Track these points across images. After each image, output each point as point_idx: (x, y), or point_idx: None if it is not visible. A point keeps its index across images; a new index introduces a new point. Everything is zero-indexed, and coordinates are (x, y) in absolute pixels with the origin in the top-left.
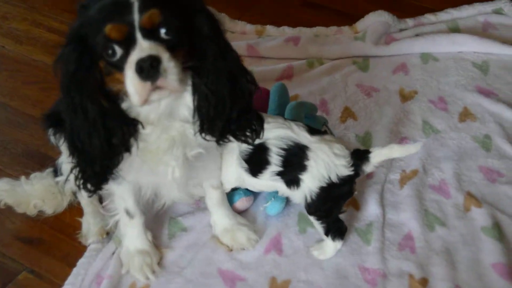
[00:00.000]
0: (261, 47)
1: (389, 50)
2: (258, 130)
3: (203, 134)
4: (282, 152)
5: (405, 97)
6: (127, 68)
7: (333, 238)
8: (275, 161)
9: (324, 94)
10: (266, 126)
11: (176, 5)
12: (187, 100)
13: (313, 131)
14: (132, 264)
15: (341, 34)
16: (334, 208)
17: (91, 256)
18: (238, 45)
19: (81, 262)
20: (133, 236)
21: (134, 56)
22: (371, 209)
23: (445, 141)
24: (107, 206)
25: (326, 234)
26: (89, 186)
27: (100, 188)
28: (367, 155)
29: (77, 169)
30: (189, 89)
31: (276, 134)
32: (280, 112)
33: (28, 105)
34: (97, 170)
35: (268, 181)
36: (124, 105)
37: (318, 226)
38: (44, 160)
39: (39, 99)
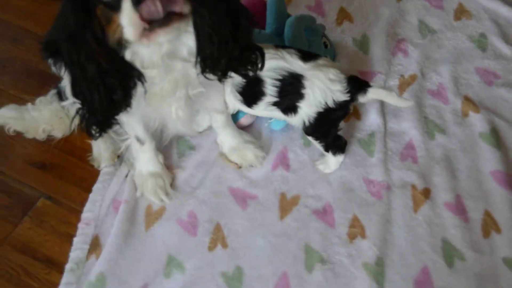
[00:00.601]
0: None
1: None
2: (259, 63)
3: (206, 74)
4: (277, 83)
5: None
6: (124, 4)
7: (334, 153)
8: (270, 92)
9: None
10: None
11: None
12: (189, 41)
13: (306, 57)
14: (146, 187)
15: None
16: (331, 128)
17: (105, 180)
18: None
19: (96, 187)
20: (144, 159)
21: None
22: (372, 118)
23: (442, 42)
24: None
25: (327, 150)
26: (93, 130)
27: (105, 132)
28: (366, 87)
29: (81, 113)
30: (190, 29)
31: (269, 65)
32: (278, 26)
33: (20, 18)
34: (99, 119)
35: (264, 111)
36: (127, 55)
37: (317, 145)
38: (45, 78)
39: (32, 11)
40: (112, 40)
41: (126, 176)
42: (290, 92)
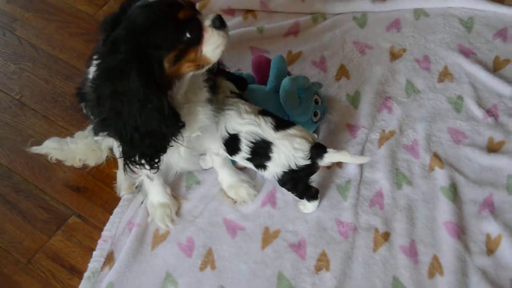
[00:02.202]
0: (272, 3)
1: (385, 6)
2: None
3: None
4: (251, 144)
5: (395, 55)
6: (206, 31)
7: (308, 200)
8: (244, 149)
9: (325, 50)
10: (240, 121)
11: None
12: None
13: (280, 126)
14: (155, 214)
15: None
16: (299, 183)
17: (124, 205)
18: (252, 1)
19: (116, 211)
20: (154, 192)
21: (208, 20)
22: (351, 167)
23: (423, 102)
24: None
25: (301, 198)
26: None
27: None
28: (322, 153)
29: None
30: None
31: (247, 129)
32: (277, 84)
33: (74, 58)
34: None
35: (241, 161)
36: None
37: (291, 194)
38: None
39: (83, 52)
40: (166, 79)
41: (142, 202)
42: (260, 154)
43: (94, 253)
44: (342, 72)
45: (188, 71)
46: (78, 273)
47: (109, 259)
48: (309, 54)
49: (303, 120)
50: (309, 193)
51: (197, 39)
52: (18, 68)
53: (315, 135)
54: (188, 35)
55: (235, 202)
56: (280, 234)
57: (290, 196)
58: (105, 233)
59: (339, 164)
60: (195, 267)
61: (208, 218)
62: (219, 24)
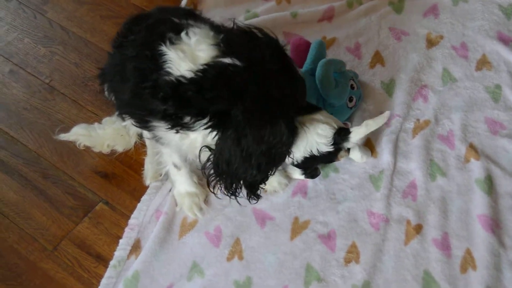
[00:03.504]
0: None
1: None
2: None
3: None
4: None
5: (431, 42)
6: None
7: (305, 177)
8: None
9: (359, 37)
10: None
11: None
12: None
13: (307, 110)
14: (183, 203)
15: None
16: (313, 165)
17: (152, 193)
18: None
19: (144, 198)
20: (182, 181)
21: None
22: (385, 157)
23: (460, 91)
24: (158, 160)
25: (302, 174)
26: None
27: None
28: (347, 135)
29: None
30: None
31: None
32: (314, 66)
33: (105, 41)
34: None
35: None
36: None
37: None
38: None
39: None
40: None
41: (170, 190)
42: None
43: (121, 241)
44: (377, 59)
45: None
46: (104, 261)
47: (136, 247)
48: (344, 40)
49: (338, 103)
50: (314, 171)
51: None
52: (48, 52)
53: (348, 123)
54: None
55: (266, 191)
56: (309, 225)
57: (321, 186)
58: (132, 221)
59: (374, 154)
60: (222, 257)
61: (237, 207)
62: None
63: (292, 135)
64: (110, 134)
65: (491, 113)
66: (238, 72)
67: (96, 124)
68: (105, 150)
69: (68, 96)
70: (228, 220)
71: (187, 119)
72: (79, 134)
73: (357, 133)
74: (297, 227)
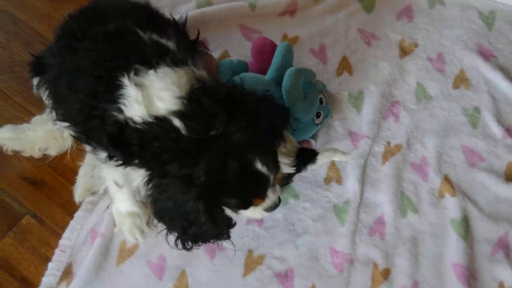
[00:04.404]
0: None
1: None
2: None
3: None
4: None
5: (405, 50)
6: (258, 209)
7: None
8: None
9: (325, 37)
10: None
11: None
12: None
13: None
14: (123, 224)
15: None
16: None
17: (87, 209)
18: None
19: (77, 215)
20: (122, 199)
21: (265, 205)
22: (350, 185)
23: (435, 111)
24: (96, 174)
25: None
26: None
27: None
28: (314, 157)
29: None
30: None
31: None
32: (279, 74)
33: (35, 19)
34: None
35: None
36: None
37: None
38: None
39: (47, 13)
40: None
41: (108, 207)
42: None
43: (50, 264)
44: (345, 65)
45: None
46: (30, 285)
47: (67, 273)
48: (307, 39)
49: (305, 119)
50: None
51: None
52: None
53: (312, 141)
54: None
55: None
56: (265, 260)
57: (280, 214)
58: (64, 241)
59: (338, 180)
60: None
61: None
62: (268, 210)
63: (211, 222)
64: (41, 136)
65: (469, 141)
66: (178, 140)
67: (25, 125)
68: (36, 154)
69: None
70: (173, 248)
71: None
72: (6, 138)
73: (325, 157)
74: (251, 262)
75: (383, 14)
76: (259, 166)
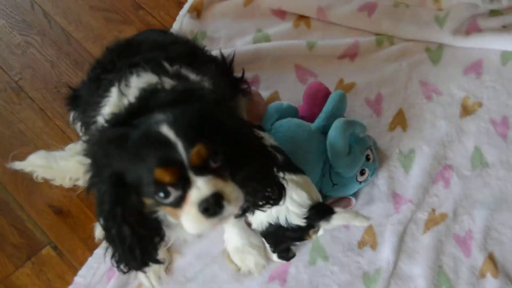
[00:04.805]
0: (332, 12)
1: (468, 42)
2: (278, 199)
3: None
4: None
5: (467, 109)
6: (188, 207)
7: (278, 257)
8: None
9: (383, 87)
10: None
11: (215, 130)
12: None
13: (284, 167)
14: None
15: (424, 7)
16: (281, 244)
17: (107, 247)
18: (309, 6)
19: (96, 252)
20: None
21: (194, 197)
22: (385, 253)
23: (490, 180)
24: None
25: (273, 252)
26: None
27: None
28: (329, 214)
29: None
30: None
31: None
32: (327, 123)
33: (89, 39)
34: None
35: None
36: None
37: (266, 244)
38: None
39: (101, 33)
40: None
41: None
42: None
43: None
44: (399, 119)
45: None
46: None
47: None
48: (364, 88)
49: (346, 175)
50: (284, 254)
51: (176, 204)
52: (24, 41)
53: (353, 200)
54: (164, 195)
55: (239, 269)
56: None
57: (305, 275)
58: (78, 279)
59: (372, 245)
60: None
61: (203, 284)
62: (205, 210)
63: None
64: (73, 166)
65: None
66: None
67: (57, 153)
68: (67, 184)
69: (37, 102)
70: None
71: None
72: (37, 165)
73: (341, 218)
74: None
75: (450, 67)
76: (165, 129)
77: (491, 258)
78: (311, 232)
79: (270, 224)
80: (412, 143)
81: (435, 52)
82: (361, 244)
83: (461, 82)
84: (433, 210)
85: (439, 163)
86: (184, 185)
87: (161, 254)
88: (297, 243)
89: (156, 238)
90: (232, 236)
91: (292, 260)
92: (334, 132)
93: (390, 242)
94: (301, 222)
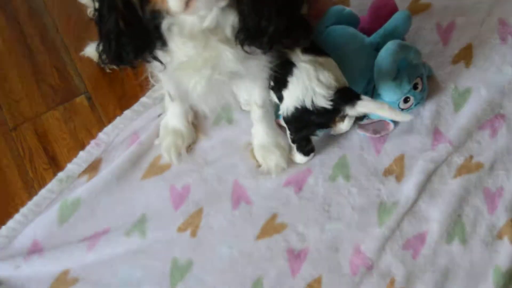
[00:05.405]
0: None
1: None
2: (304, 37)
3: (245, 46)
4: (274, 67)
5: None
6: None
7: (297, 149)
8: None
9: (459, 15)
10: None
11: None
12: (232, 18)
13: (310, 50)
14: (164, 139)
15: None
16: (304, 129)
17: (137, 111)
18: None
19: (125, 113)
20: (173, 113)
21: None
22: (407, 188)
23: None
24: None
25: (292, 142)
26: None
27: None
28: (355, 99)
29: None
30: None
31: None
32: (383, 41)
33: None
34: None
35: None
36: (164, 24)
37: (287, 132)
38: None
39: None
40: (149, 9)
41: (159, 116)
42: (279, 79)
43: (81, 153)
44: (465, 54)
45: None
46: (57, 167)
47: (93, 167)
48: (440, 11)
49: (388, 99)
50: (304, 145)
51: None
52: None
53: (392, 125)
54: None
55: (259, 166)
56: (285, 231)
57: (322, 189)
58: (102, 135)
59: (398, 176)
60: (174, 224)
61: (220, 171)
62: None
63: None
64: None
65: None
66: None
67: None
68: None
69: None
70: (202, 182)
71: None
72: None
73: (366, 106)
74: (270, 228)
75: None
76: None
77: None
78: (337, 118)
79: (296, 108)
80: (471, 81)
81: None
82: (387, 172)
83: None
84: (471, 157)
85: (492, 110)
86: None
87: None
88: (321, 131)
89: (146, 40)
90: (260, 132)
91: (314, 171)
92: (384, 52)
93: (416, 178)
94: (327, 104)
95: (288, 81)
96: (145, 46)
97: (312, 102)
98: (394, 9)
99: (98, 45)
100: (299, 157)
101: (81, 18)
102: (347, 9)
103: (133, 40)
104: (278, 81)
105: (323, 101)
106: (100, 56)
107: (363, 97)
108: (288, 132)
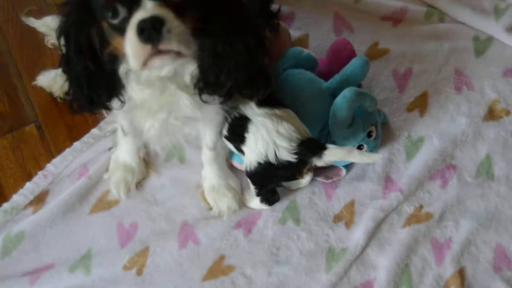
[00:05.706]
0: None
1: None
2: (262, 89)
3: (205, 96)
4: (229, 120)
5: (492, 114)
6: (128, 30)
7: (261, 201)
8: (224, 127)
9: (416, 62)
10: None
11: None
12: (191, 68)
13: (266, 103)
14: (114, 175)
15: None
16: (269, 183)
17: (88, 142)
18: None
19: (75, 145)
20: (125, 148)
21: (136, 17)
22: (357, 235)
23: (489, 194)
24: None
25: (257, 195)
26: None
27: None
28: (321, 150)
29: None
30: (194, 55)
31: None
32: (340, 87)
33: None
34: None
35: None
36: (122, 69)
37: (251, 186)
38: None
39: None
40: (112, 52)
41: (109, 149)
42: (237, 133)
43: (28, 184)
44: (421, 102)
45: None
46: (1, 197)
47: (40, 200)
48: (397, 58)
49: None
50: (270, 195)
51: (122, 29)
52: None
53: (344, 171)
54: (113, 14)
55: (210, 209)
56: (232, 273)
57: (271, 232)
58: (50, 167)
59: (348, 223)
60: (120, 262)
61: (168, 211)
62: (141, 31)
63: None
64: None
65: (508, 243)
66: None
67: None
68: None
69: None
70: (150, 220)
71: None
72: (52, 28)
73: (334, 154)
74: (217, 269)
75: (492, 64)
76: None
77: (461, 273)
78: (304, 170)
79: (259, 163)
80: (424, 131)
81: (482, 43)
82: (337, 218)
83: (497, 83)
84: (421, 207)
85: (443, 160)
86: (133, 5)
87: (115, 104)
88: (287, 183)
89: (110, 82)
90: (211, 174)
91: (264, 213)
92: (341, 99)
93: (365, 226)
94: (291, 157)
95: (245, 137)
96: (116, 88)
97: (276, 156)
98: (353, 53)
99: (67, 93)
100: (255, 203)
101: (37, 45)
102: (306, 51)
103: (104, 82)
104: (234, 134)
105: (287, 155)
106: (70, 105)
107: (328, 145)
108: (252, 186)
